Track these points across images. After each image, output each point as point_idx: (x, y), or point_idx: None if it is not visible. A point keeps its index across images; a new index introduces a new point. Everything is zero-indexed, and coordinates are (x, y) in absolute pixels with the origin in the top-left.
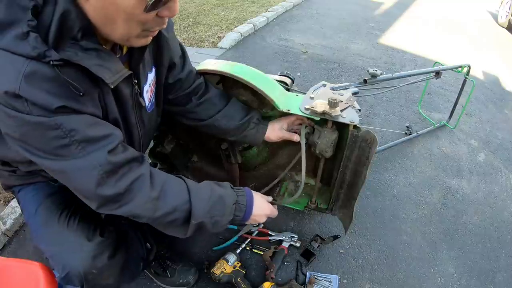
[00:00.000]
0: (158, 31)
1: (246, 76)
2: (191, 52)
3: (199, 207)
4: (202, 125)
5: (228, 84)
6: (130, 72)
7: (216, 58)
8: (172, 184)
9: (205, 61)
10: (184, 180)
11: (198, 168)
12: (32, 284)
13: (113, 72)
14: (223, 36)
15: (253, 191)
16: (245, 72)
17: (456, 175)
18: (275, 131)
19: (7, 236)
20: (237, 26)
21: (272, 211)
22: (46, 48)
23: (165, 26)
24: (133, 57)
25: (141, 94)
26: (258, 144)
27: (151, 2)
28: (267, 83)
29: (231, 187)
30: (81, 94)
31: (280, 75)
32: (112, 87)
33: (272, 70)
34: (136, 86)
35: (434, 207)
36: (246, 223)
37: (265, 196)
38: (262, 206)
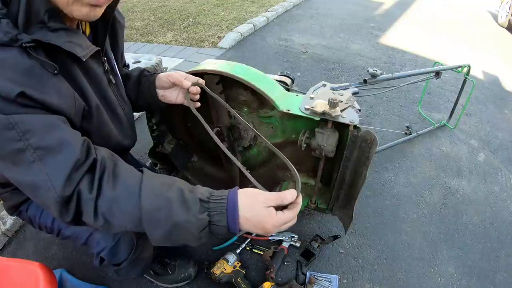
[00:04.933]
0: (102, 4)
1: (246, 76)
2: (191, 52)
3: (155, 233)
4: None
5: (228, 84)
6: (98, 48)
7: (216, 58)
8: (121, 200)
9: (205, 61)
10: (140, 190)
11: (198, 168)
12: (32, 284)
13: (83, 48)
14: (223, 36)
15: (248, 190)
16: (245, 72)
17: (456, 175)
18: (163, 77)
19: (7, 236)
20: (237, 26)
21: (283, 219)
22: (18, 32)
23: None
24: (97, 36)
25: (113, 70)
26: (158, 102)
27: None
28: (267, 83)
29: (202, 200)
30: (55, 72)
31: (280, 75)
32: (84, 59)
33: (272, 70)
34: (106, 64)
35: (434, 207)
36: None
37: (272, 194)
38: (258, 216)
